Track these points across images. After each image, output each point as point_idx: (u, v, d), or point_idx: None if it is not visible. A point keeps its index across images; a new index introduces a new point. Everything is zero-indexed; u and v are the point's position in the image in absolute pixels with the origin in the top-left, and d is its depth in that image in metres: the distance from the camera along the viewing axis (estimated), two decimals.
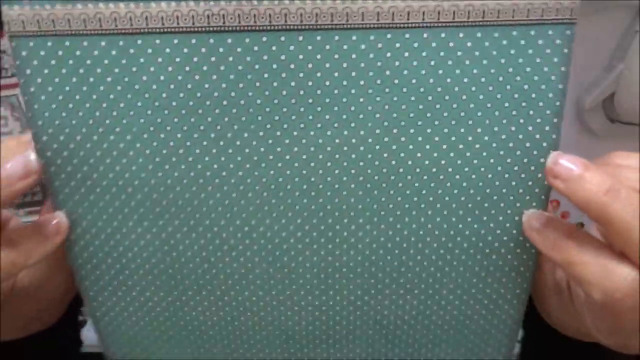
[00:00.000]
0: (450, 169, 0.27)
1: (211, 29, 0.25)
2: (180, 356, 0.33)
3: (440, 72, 0.25)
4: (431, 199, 0.28)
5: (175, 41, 0.25)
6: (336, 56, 0.25)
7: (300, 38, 0.25)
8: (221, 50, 0.25)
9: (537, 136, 0.26)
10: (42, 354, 0.33)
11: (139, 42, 0.25)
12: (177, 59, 0.25)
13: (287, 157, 0.27)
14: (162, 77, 0.26)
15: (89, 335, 0.37)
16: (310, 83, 0.26)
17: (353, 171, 0.27)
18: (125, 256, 0.30)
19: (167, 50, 0.25)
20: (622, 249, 0.23)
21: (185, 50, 0.25)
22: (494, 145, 0.27)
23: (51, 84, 0.26)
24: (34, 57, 0.25)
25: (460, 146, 0.27)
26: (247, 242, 0.29)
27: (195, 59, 0.25)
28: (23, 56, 0.25)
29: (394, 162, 0.27)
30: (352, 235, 0.29)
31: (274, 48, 0.25)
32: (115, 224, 0.29)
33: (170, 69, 0.25)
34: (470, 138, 0.27)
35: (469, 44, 0.25)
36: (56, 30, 0.25)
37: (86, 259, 0.29)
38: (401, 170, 0.27)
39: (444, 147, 0.27)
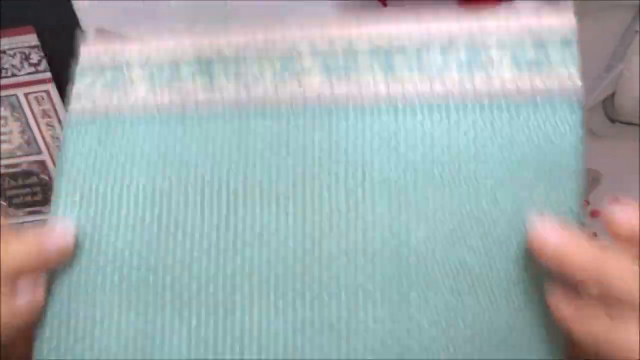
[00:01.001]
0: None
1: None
2: None
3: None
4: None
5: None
6: (352, 136, 0.27)
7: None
8: (241, 130, 0.28)
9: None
10: None
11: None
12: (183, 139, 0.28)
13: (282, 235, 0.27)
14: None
15: None
16: (326, 159, 0.27)
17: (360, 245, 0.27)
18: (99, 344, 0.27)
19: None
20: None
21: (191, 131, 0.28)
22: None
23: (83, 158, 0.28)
24: (82, 142, 0.29)
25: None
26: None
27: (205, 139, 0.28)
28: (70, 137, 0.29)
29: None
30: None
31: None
32: (97, 312, 0.27)
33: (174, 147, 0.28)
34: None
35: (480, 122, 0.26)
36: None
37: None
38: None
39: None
